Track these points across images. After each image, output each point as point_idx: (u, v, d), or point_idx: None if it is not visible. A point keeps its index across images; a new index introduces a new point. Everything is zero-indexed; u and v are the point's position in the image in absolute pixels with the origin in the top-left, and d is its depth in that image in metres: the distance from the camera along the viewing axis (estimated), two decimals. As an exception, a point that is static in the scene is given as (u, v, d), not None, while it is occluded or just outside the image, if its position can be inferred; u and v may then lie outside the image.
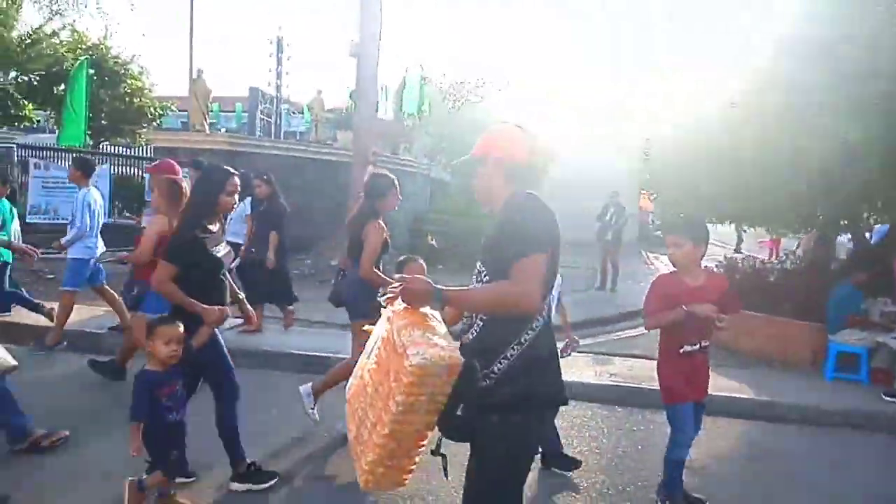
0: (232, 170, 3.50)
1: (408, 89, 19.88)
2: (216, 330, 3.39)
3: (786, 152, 5.90)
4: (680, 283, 3.42)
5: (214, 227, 3.39)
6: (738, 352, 6.96)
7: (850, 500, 3.94)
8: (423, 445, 2.17)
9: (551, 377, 2.11)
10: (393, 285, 2.13)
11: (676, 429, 3.47)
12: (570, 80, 13.21)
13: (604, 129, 7.97)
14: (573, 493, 3.77)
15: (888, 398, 5.47)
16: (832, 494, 4.00)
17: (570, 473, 3.95)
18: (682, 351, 3.39)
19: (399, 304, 2.16)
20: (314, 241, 12.00)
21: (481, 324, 2.11)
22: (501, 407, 2.01)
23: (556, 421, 4.02)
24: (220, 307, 3.28)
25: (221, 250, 3.43)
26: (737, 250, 18.14)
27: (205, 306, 3.20)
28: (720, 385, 5.60)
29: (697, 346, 3.41)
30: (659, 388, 3.56)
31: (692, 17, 7.01)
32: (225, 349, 3.49)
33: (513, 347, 2.02)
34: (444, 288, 2.08)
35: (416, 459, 2.20)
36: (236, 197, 3.49)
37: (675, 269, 3.50)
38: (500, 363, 2.02)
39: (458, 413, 2.03)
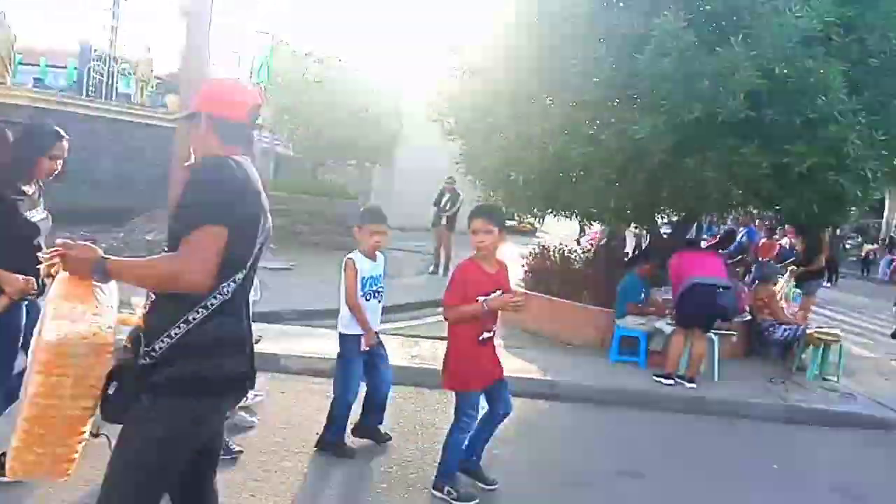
0: (62, 132, 3.17)
1: (260, 57, 18.96)
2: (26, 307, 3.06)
3: (585, 145, 6.25)
4: (480, 271, 3.46)
5: (31, 190, 3.08)
6: (540, 336, 7.35)
7: (595, 474, 4.21)
8: (82, 432, 1.97)
9: (228, 362, 1.93)
10: (51, 250, 1.92)
11: (464, 415, 3.52)
12: (416, 68, 13.17)
13: (441, 115, 7.97)
14: (331, 478, 3.73)
15: (657, 378, 5.99)
16: (584, 466, 4.28)
17: (332, 457, 3.92)
18: (481, 339, 3.47)
19: (63, 273, 1.95)
20: (133, 212, 11.12)
21: (153, 298, 1.95)
22: (157, 389, 1.84)
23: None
24: (25, 277, 2.90)
25: (37, 215, 3.10)
26: (577, 242, 19.28)
27: (5, 273, 2.87)
28: (513, 366, 5.87)
29: (493, 331, 3.54)
30: (449, 377, 3.56)
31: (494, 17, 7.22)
32: (21, 331, 3.09)
33: (178, 326, 1.85)
34: (108, 258, 1.88)
35: (78, 448, 2.00)
36: (59, 163, 3.17)
37: (475, 256, 3.50)
38: (163, 342, 1.85)
39: (110, 392, 1.88)
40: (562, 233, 21.39)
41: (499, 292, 3.44)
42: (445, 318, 3.54)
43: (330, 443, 3.98)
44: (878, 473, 4.76)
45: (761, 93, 5.71)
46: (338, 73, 13.70)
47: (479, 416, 3.64)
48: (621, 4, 6.27)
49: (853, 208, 7.24)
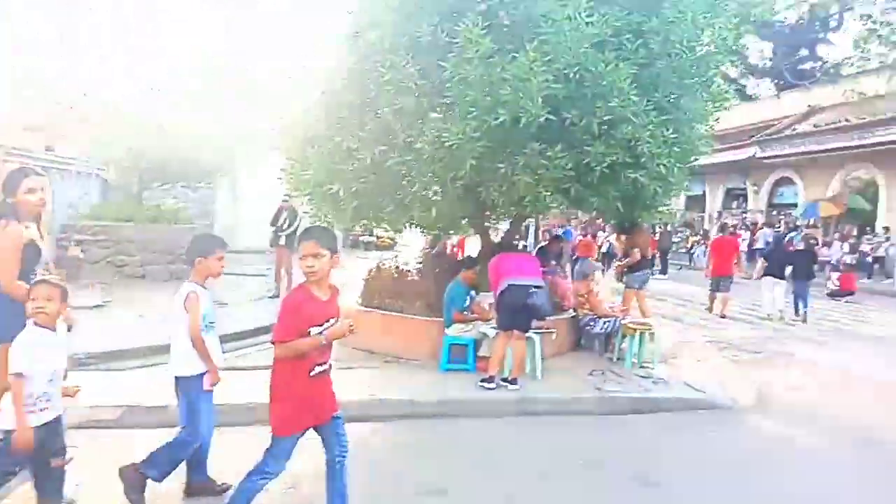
0: None
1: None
2: None
3: (402, 153, 6.16)
4: (312, 299, 3.11)
5: None
6: (374, 352, 7.13)
7: (397, 497, 4.02)
8: None
9: None
10: None
11: (272, 458, 3.17)
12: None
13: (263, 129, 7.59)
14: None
15: (481, 384, 5.95)
16: (386, 489, 4.07)
17: None
18: (312, 374, 3.13)
19: None
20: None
21: None
22: None
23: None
24: None
25: None
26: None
27: None
28: (338, 389, 5.56)
29: (327, 364, 3.22)
30: (271, 416, 3.18)
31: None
32: None
33: None
34: None
35: None
36: None
37: (306, 283, 3.16)
38: None
39: None
40: (422, 245, 21.55)
41: (333, 321, 3.15)
42: (277, 357, 3.14)
43: (145, 479, 3.58)
44: (676, 458, 4.93)
45: (559, 96, 5.90)
46: (160, 93, 12.80)
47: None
48: (422, 11, 6.23)
49: (658, 205, 7.71)
